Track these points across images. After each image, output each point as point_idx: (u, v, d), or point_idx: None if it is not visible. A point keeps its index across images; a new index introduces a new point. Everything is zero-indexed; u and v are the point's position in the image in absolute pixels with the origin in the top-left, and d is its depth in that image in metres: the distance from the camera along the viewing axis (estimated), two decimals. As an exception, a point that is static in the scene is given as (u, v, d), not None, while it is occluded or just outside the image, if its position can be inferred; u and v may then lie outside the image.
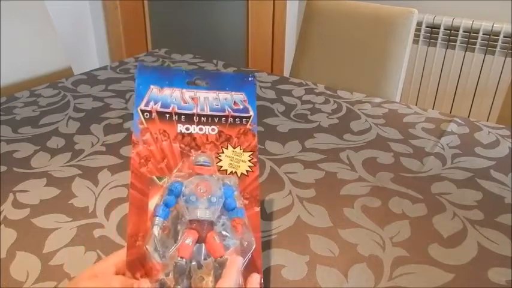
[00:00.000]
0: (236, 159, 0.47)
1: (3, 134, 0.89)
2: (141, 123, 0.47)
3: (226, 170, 0.47)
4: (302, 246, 0.59)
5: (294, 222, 0.64)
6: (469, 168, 0.78)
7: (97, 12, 2.25)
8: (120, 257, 0.42)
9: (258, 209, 0.46)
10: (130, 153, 0.46)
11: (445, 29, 1.82)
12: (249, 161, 0.48)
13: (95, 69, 1.26)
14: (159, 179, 0.45)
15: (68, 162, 0.79)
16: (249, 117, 0.50)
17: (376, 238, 0.60)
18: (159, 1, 2.32)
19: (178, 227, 0.42)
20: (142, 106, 0.47)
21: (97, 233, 0.61)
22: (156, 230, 0.41)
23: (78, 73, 1.25)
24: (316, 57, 1.46)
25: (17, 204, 0.67)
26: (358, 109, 1.02)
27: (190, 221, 0.41)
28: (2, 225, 0.62)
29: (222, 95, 0.49)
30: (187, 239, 0.40)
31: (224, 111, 0.49)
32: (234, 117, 0.49)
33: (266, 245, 0.59)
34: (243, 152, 0.48)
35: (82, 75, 1.22)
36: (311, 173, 0.76)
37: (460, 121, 0.96)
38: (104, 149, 0.83)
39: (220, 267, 0.40)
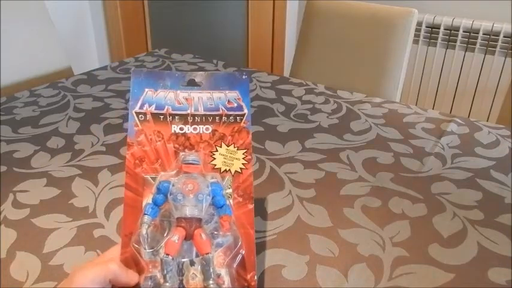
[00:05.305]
0: (230, 157, 0.47)
1: (3, 134, 0.89)
2: (136, 125, 0.47)
3: (220, 169, 0.47)
4: (302, 246, 0.59)
5: (294, 222, 0.64)
6: (469, 168, 0.78)
7: (97, 12, 2.25)
8: (114, 253, 0.42)
9: (251, 206, 0.46)
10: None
11: (445, 29, 1.82)
12: (243, 158, 0.48)
13: (95, 69, 1.26)
14: (153, 178, 0.45)
15: (68, 162, 0.79)
16: (243, 114, 0.49)
17: (376, 238, 0.60)
18: (159, 1, 2.32)
19: (169, 224, 0.42)
20: (137, 109, 0.48)
21: (97, 233, 0.61)
22: (144, 228, 0.41)
23: (78, 73, 1.25)
24: (316, 57, 1.46)
25: (17, 204, 0.67)
26: (358, 109, 1.02)
27: (178, 219, 0.41)
28: (2, 225, 0.62)
29: (216, 94, 0.50)
30: (174, 236, 0.41)
31: (218, 110, 0.49)
32: (228, 116, 0.49)
33: (266, 245, 0.59)
34: (237, 149, 0.48)
35: (82, 75, 1.22)
36: (311, 173, 0.76)
37: (460, 121, 0.96)
38: (104, 149, 0.83)
39: (207, 264, 0.41)
